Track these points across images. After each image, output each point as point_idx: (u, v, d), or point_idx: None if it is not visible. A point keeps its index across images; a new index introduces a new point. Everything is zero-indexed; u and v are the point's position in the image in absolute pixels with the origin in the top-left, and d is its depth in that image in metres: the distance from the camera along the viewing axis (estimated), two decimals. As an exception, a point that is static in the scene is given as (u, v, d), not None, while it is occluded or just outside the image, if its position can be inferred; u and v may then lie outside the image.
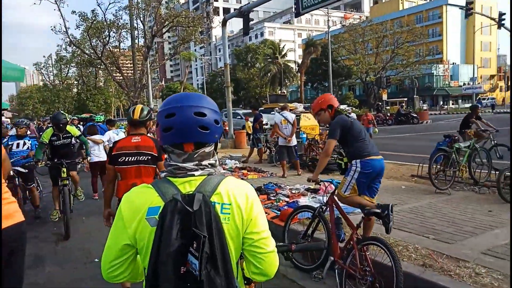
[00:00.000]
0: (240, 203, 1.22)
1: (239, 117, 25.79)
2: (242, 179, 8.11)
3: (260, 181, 7.99)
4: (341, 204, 4.69)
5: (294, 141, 8.80)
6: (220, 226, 1.17)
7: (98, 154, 7.50)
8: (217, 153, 1.37)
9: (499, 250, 3.58)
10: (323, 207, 3.82)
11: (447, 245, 3.80)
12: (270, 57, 53.14)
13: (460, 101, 61.09)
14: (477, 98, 49.78)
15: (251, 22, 13.91)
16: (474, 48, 50.43)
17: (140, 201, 1.21)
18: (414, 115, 27.59)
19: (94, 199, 7.65)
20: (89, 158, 7.12)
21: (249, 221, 1.24)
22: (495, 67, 67.86)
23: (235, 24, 68.56)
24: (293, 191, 6.61)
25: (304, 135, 11.01)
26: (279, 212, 5.21)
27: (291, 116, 8.98)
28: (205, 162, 1.26)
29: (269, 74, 52.79)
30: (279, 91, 49.23)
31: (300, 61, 52.34)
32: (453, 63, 61.48)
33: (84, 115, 23.71)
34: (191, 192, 1.19)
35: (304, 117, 11.50)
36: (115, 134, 7.74)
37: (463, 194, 6.30)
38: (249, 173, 8.89)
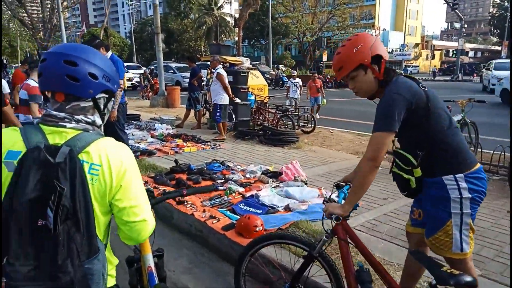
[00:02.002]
0: (112, 167, 1.15)
1: (172, 71, 23.18)
2: (176, 152, 6.22)
3: (201, 156, 6.16)
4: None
5: None
6: (86, 186, 1.11)
7: None
8: (103, 116, 1.27)
9: None
10: (326, 240, 2.02)
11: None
12: (205, 8, 49.16)
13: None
14: (403, 65, 51.99)
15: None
16: (405, 15, 51.87)
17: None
18: (353, 78, 27.16)
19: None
20: None
21: (118, 187, 1.17)
22: (420, 35, 71.34)
23: (167, -33, 61.99)
24: (247, 175, 4.91)
25: (252, 97, 9.24)
26: (234, 218, 3.49)
27: None
28: (79, 117, 1.18)
29: (204, 27, 49.10)
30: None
31: (237, 15, 49.31)
32: (384, 29, 63.08)
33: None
34: (58, 144, 1.11)
35: (252, 75, 9.66)
36: None
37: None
38: (185, 144, 6.96)
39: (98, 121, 1.24)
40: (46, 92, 1.20)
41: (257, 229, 3.09)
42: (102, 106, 1.25)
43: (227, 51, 10.13)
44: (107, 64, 1.23)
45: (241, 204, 3.84)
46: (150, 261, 1.56)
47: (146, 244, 1.56)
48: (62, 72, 1.13)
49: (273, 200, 3.91)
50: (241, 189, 4.32)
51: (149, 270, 1.54)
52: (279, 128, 8.20)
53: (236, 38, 47.15)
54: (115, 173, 1.16)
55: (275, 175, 4.87)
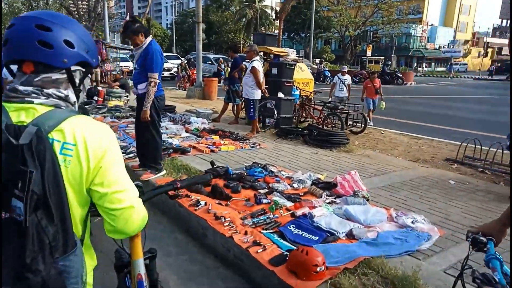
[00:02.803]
0: (89, 147, 1.01)
1: (210, 62, 22.74)
2: (212, 151, 5.58)
3: (239, 157, 5.46)
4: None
5: None
6: (57, 168, 0.96)
7: None
8: (80, 91, 1.12)
9: None
10: None
11: None
12: (246, 1, 48.49)
13: (433, 64, 60.30)
14: (449, 63, 49.01)
15: None
16: (457, 10, 48.53)
17: None
18: (400, 75, 25.53)
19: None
20: None
21: (97, 169, 1.02)
22: (471, 32, 66.93)
23: (210, -42, 61.88)
24: (295, 184, 4.14)
25: (297, 92, 8.40)
26: (284, 246, 2.74)
27: None
28: (50, 91, 1.03)
29: (244, 19, 48.51)
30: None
31: (278, 8, 48.24)
32: (432, 25, 59.70)
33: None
34: (24, 124, 0.96)
35: (297, 68, 8.81)
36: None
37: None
38: (222, 141, 6.29)
39: (72, 97, 1.09)
40: (12, 65, 1.04)
41: (318, 269, 2.32)
42: (77, 81, 1.10)
43: (273, 42, 9.32)
44: (86, 34, 1.09)
45: (291, 226, 3.08)
46: (141, 268, 1.36)
47: (137, 247, 1.36)
48: (33, 37, 0.99)
49: (331, 222, 3.11)
50: (288, 204, 3.55)
51: (139, 278, 1.36)
52: (326, 128, 7.35)
53: (276, 31, 46.19)
54: (93, 153, 1.01)
55: (329, 187, 4.07)
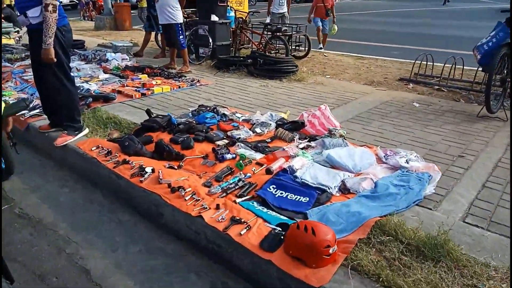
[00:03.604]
0: None
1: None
2: (143, 95, 4.60)
3: (179, 100, 4.53)
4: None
5: None
6: None
7: None
8: None
9: None
10: None
11: None
12: None
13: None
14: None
15: None
16: None
17: None
18: (324, -8, 24.72)
19: None
20: None
21: None
22: None
23: None
24: (257, 129, 3.43)
25: (232, 13, 7.28)
26: (274, 219, 2.11)
27: None
28: None
29: None
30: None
31: None
32: None
33: None
34: None
35: (227, -16, 7.56)
36: None
37: (517, 118, 4.03)
38: (154, 80, 5.20)
39: None
40: None
41: (331, 251, 1.75)
42: None
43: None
44: None
45: (271, 187, 2.44)
46: None
47: None
48: None
49: (317, 175, 2.53)
50: (258, 156, 2.87)
51: None
52: (270, 54, 6.54)
53: None
54: None
55: (296, 127, 3.44)
